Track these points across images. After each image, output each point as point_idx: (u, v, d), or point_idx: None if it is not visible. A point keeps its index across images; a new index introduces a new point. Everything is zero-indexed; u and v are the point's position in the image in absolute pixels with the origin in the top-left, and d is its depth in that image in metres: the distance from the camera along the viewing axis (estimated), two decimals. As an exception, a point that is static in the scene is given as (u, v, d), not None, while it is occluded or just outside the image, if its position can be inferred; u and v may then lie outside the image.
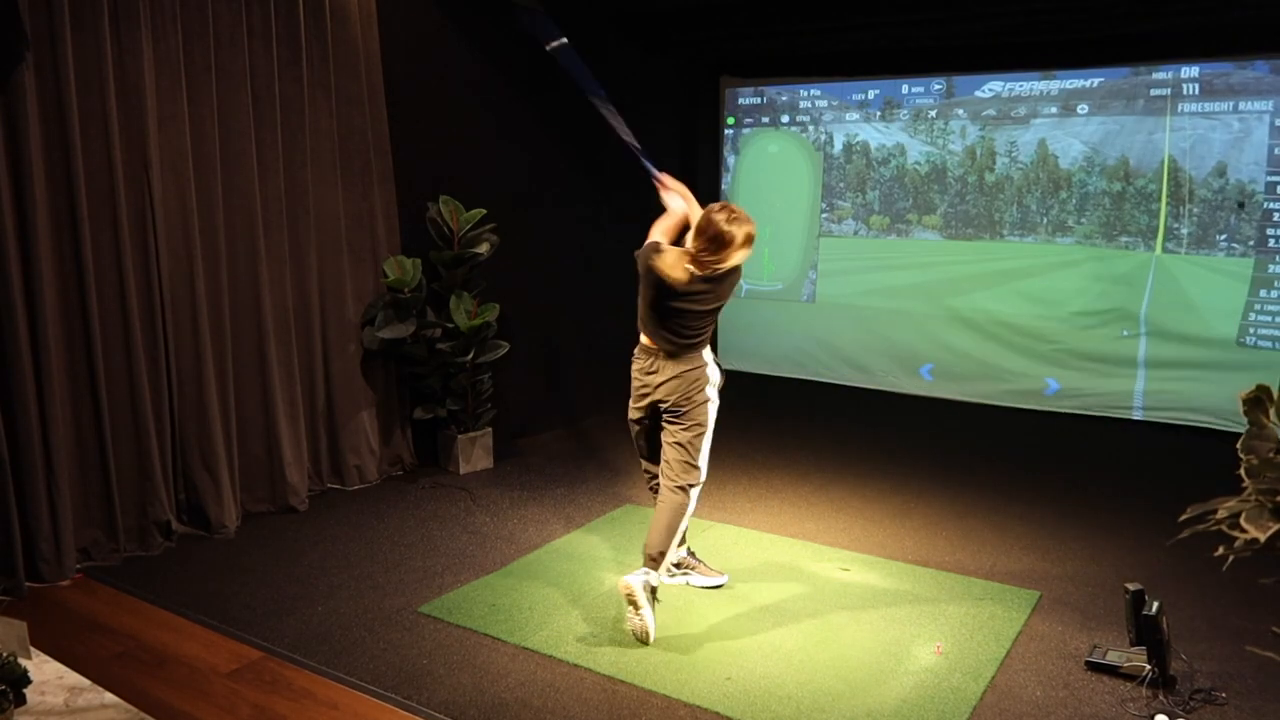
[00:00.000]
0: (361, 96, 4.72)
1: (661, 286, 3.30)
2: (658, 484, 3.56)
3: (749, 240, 3.24)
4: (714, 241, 3.20)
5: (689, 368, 3.41)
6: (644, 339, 3.49)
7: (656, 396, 3.45)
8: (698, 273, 3.27)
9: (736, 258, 3.27)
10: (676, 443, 3.44)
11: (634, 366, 3.54)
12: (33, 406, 3.61)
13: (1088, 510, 4.65)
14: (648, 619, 3.26)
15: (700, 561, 3.79)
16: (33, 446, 3.62)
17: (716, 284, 3.33)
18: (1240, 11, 4.67)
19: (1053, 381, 5.91)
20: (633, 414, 3.61)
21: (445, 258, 4.92)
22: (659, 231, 3.44)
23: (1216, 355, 5.37)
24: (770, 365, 6.88)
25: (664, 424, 3.50)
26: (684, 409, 3.42)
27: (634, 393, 3.56)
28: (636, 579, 3.28)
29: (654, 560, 3.36)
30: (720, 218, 3.20)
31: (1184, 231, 5.44)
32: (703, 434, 3.44)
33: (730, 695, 2.97)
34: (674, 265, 3.27)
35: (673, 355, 3.40)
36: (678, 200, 3.52)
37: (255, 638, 3.32)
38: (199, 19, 4.06)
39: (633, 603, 3.26)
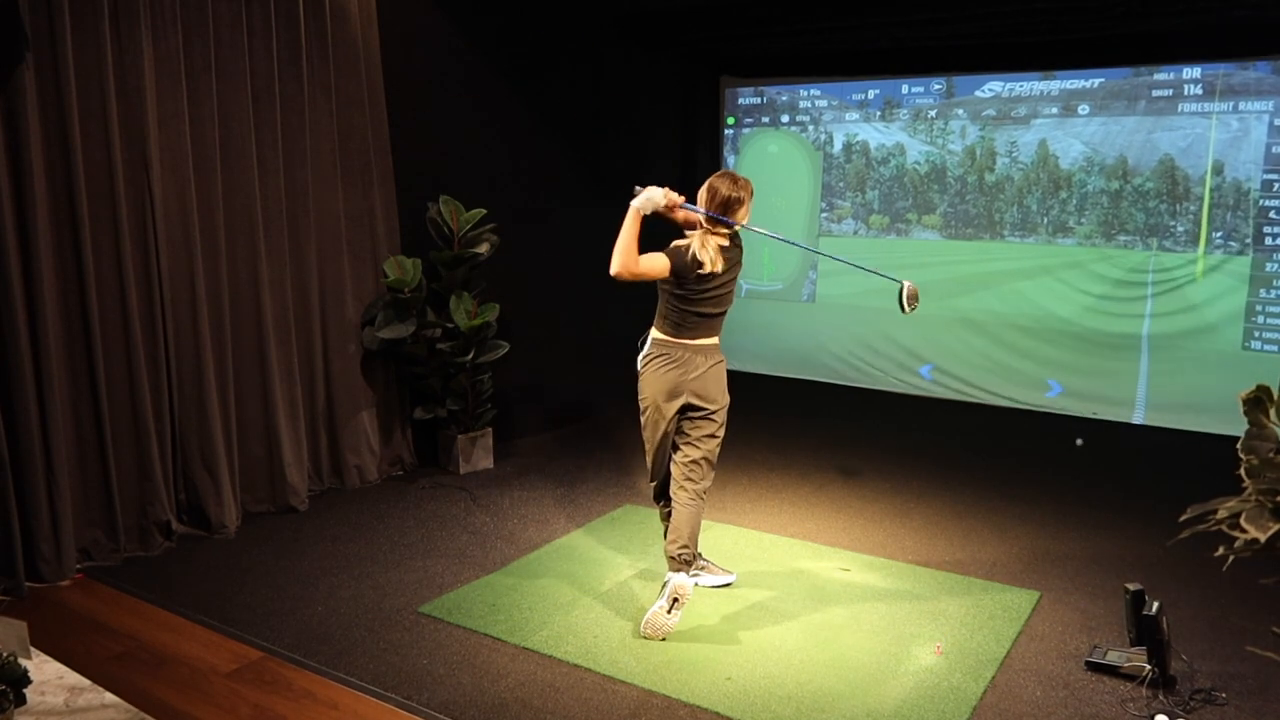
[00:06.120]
0: (361, 96, 4.72)
1: (702, 277, 3.34)
2: (670, 509, 3.57)
3: (749, 189, 3.41)
4: (725, 206, 3.34)
5: (718, 359, 3.49)
6: (670, 338, 3.44)
7: (691, 394, 3.43)
8: (724, 243, 3.37)
9: (747, 212, 3.42)
10: (703, 444, 3.48)
11: (658, 370, 3.44)
12: (33, 407, 3.61)
13: (1088, 510, 4.65)
14: (676, 621, 3.36)
15: (709, 561, 3.81)
16: (33, 446, 3.62)
17: (736, 252, 3.45)
18: (1242, 12, 4.67)
19: (1055, 383, 5.91)
20: (661, 423, 3.46)
21: (445, 258, 4.92)
22: (634, 248, 3.32)
23: (1218, 356, 5.37)
24: (770, 365, 6.88)
25: (690, 425, 3.48)
26: (717, 403, 3.47)
27: (664, 397, 3.43)
28: (690, 582, 3.39)
29: (688, 564, 3.45)
30: (723, 185, 3.35)
31: (1182, 230, 5.44)
32: (723, 429, 3.53)
33: (730, 695, 2.97)
34: (714, 253, 3.34)
35: (705, 348, 3.45)
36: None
37: (255, 638, 3.32)
38: (199, 19, 4.06)
39: (679, 603, 3.34)
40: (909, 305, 3.43)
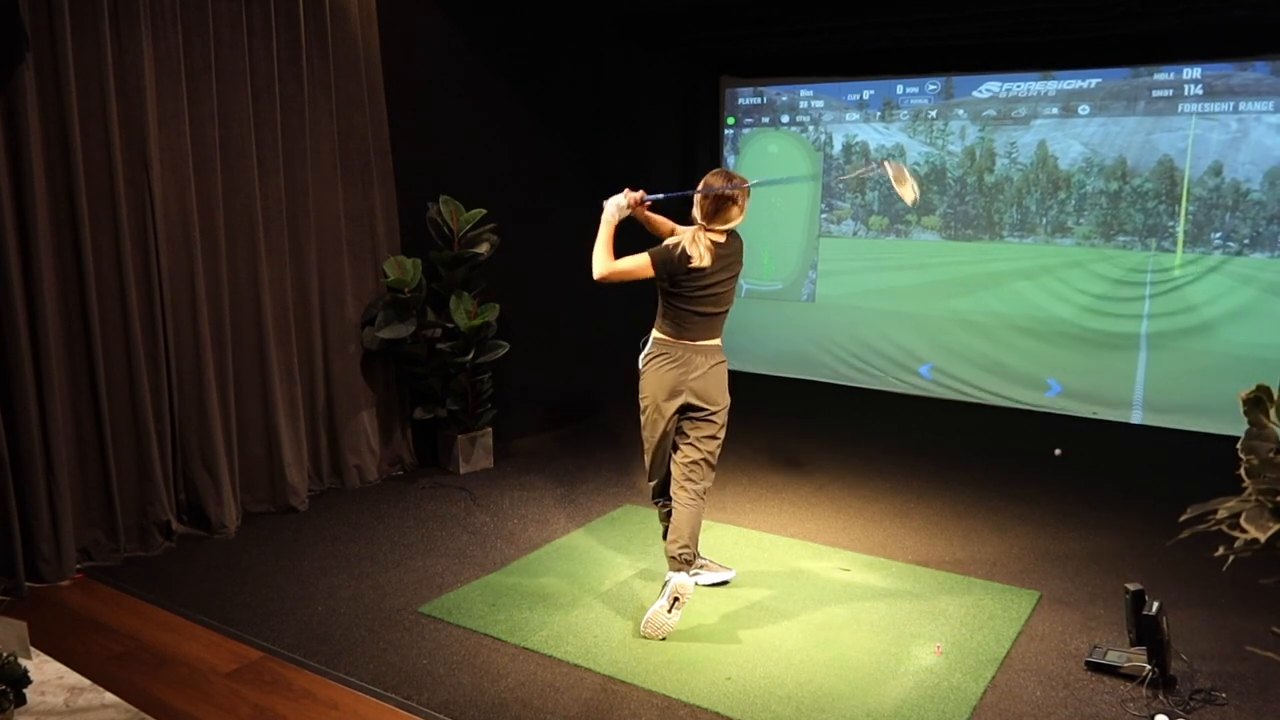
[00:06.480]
0: (361, 96, 4.72)
1: (693, 274, 3.34)
2: (669, 508, 3.56)
3: (745, 191, 3.41)
4: (718, 203, 3.35)
5: (719, 360, 3.49)
6: (670, 338, 3.44)
7: (691, 393, 3.43)
8: (719, 240, 3.38)
9: (741, 209, 3.41)
10: (703, 444, 3.47)
11: (658, 370, 3.44)
12: (33, 406, 3.61)
13: (1088, 510, 4.65)
14: (677, 620, 3.36)
15: (708, 559, 3.81)
16: (33, 446, 3.62)
17: (733, 250, 3.44)
18: (1242, 12, 4.67)
19: (1054, 383, 5.91)
20: (660, 422, 3.47)
21: (445, 258, 4.92)
22: (608, 251, 3.37)
23: (1218, 356, 5.37)
24: (770, 365, 6.88)
25: (690, 425, 3.48)
26: (718, 404, 3.47)
27: (663, 396, 3.44)
28: (691, 582, 3.40)
29: (689, 564, 3.45)
30: (717, 183, 3.37)
31: (1181, 231, 5.44)
32: (724, 430, 3.52)
33: (730, 695, 2.97)
34: (704, 249, 3.34)
35: (705, 348, 3.45)
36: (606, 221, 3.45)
37: (255, 638, 3.32)
38: (199, 19, 4.06)
39: (679, 603, 3.34)
40: (900, 188, 3.25)
